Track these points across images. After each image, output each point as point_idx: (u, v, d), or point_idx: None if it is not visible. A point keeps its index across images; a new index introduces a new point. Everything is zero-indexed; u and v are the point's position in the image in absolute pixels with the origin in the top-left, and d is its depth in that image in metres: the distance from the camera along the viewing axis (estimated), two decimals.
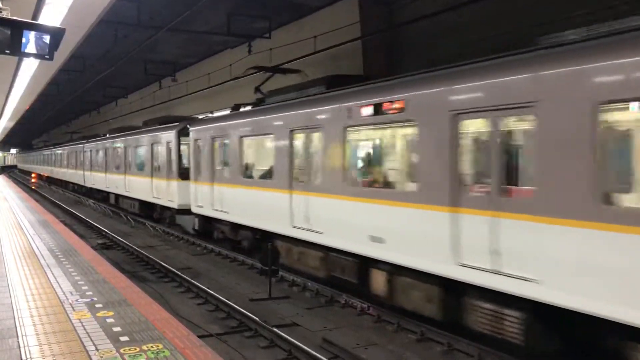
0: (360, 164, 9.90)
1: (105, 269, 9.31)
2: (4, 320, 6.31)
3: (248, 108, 14.20)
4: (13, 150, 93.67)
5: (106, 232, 19.43)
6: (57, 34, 6.36)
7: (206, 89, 23.45)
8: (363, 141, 9.80)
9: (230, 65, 20.91)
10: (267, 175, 12.37)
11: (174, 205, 18.29)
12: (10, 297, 7.34)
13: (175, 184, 18.26)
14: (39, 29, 6.26)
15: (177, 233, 18.82)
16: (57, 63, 14.51)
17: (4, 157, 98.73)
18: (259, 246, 12.52)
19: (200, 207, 15.72)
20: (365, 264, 9.31)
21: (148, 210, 22.02)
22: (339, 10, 16.05)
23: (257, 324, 8.84)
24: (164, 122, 20.67)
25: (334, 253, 10.09)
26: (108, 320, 6.29)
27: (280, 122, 11.56)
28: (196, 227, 16.52)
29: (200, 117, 19.25)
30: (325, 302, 10.50)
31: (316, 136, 10.48)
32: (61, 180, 44.52)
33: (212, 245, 16.17)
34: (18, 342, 5.57)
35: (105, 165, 27.98)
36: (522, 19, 11.09)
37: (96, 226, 21.04)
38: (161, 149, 19.62)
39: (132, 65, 25.06)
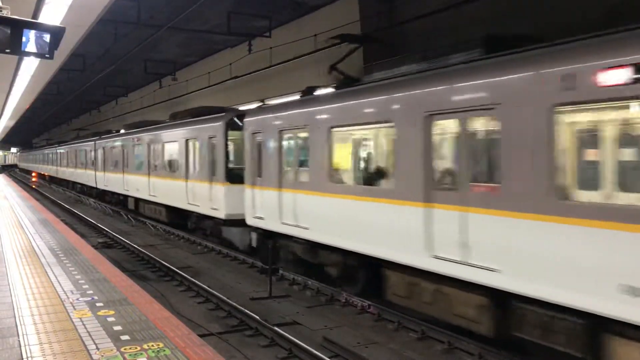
0: (610, 165, 5.76)
1: (106, 268, 9.31)
2: (4, 319, 6.31)
3: (328, 91, 10.92)
4: (13, 149, 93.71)
5: (107, 231, 19.43)
6: (57, 33, 6.35)
7: (206, 87, 23.44)
8: (607, 127, 5.84)
9: (231, 64, 20.91)
10: (377, 179, 9.19)
11: (220, 214, 14.86)
12: (11, 296, 7.34)
13: (222, 188, 14.81)
14: (39, 27, 6.25)
15: (178, 232, 18.82)
16: (57, 62, 14.49)
17: (5, 156, 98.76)
18: (355, 275, 10.02)
19: (261, 218, 12.34)
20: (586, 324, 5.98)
21: (179, 218, 18.72)
22: (339, 9, 16.05)
23: (258, 322, 8.83)
24: (198, 113, 17.40)
25: (521, 303, 6.65)
26: (109, 319, 6.29)
27: (408, 105, 8.13)
28: (253, 244, 13.20)
29: (256, 105, 15.70)
30: (325, 300, 10.50)
31: (483, 122, 7.14)
32: (68, 181, 41.31)
33: (212, 244, 16.16)
34: (19, 340, 5.57)
35: (122, 165, 24.41)
36: (523, 17, 11.09)
37: (97, 225, 21.05)
38: (200, 146, 16.16)
39: (133, 64, 25.08)
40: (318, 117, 10.33)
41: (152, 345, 5.43)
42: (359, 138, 10.08)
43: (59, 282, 8.14)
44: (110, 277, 8.53)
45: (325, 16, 16.63)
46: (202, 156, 16.06)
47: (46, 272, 8.89)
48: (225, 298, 10.16)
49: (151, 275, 12.99)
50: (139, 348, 5.36)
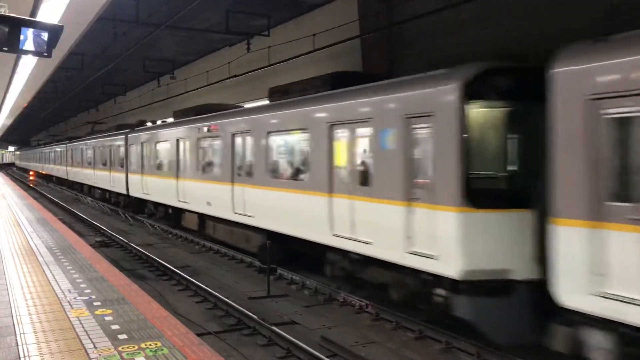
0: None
1: (104, 267, 9.30)
2: (2, 318, 6.30)
3: None
4: (11, 148, 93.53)
5: (105, 230, 19.39)
6: (55, 31, 6.34)
7: (205, 86, 23.41)
8: None
9: (229, 63, 20.89)
10: None
11: (446, 269, 7.60)
12: (9, 295, 7.33)
13: (454, 217, 7.46)
14: (37, 26, 6.24)
15: (176, 231, 18.76)
16: (55, 60, 14.47)
17: (2, 154, 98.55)
18: None
19: None
20: None
21: (285, 252, 12.11)
22: (338, 8, 16.03)
23: (256, 322, 8.83)
24: (343, 78, 10.91)
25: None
26: (106, 318, 6.28)
27: None
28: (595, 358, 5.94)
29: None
30: (323, 300, 10.49)
31: None
32: (82, 185, 34.51)
33: (210, 243, 16.13)
34: (16, 339, 5.56)
35: (176, 167, 17.49)
36: (523, 17, 11.08)
37: (94, 224, 21.01)
38: (377, 136, 8.93)
39: (131, 62, 25.03)
40: None
41: (150, 344, 5.42)
42: None
43: (57, 281, 8.13)
44: (108, 276, 8.52)
45: (324, 15, 16.62)
46: (382, 153, 8.88)
47: (44, 271, 8.88)
48: (223, 297, 10.16)
49: (149, 275, 12.97)
50: (136, 347, 5.35)
